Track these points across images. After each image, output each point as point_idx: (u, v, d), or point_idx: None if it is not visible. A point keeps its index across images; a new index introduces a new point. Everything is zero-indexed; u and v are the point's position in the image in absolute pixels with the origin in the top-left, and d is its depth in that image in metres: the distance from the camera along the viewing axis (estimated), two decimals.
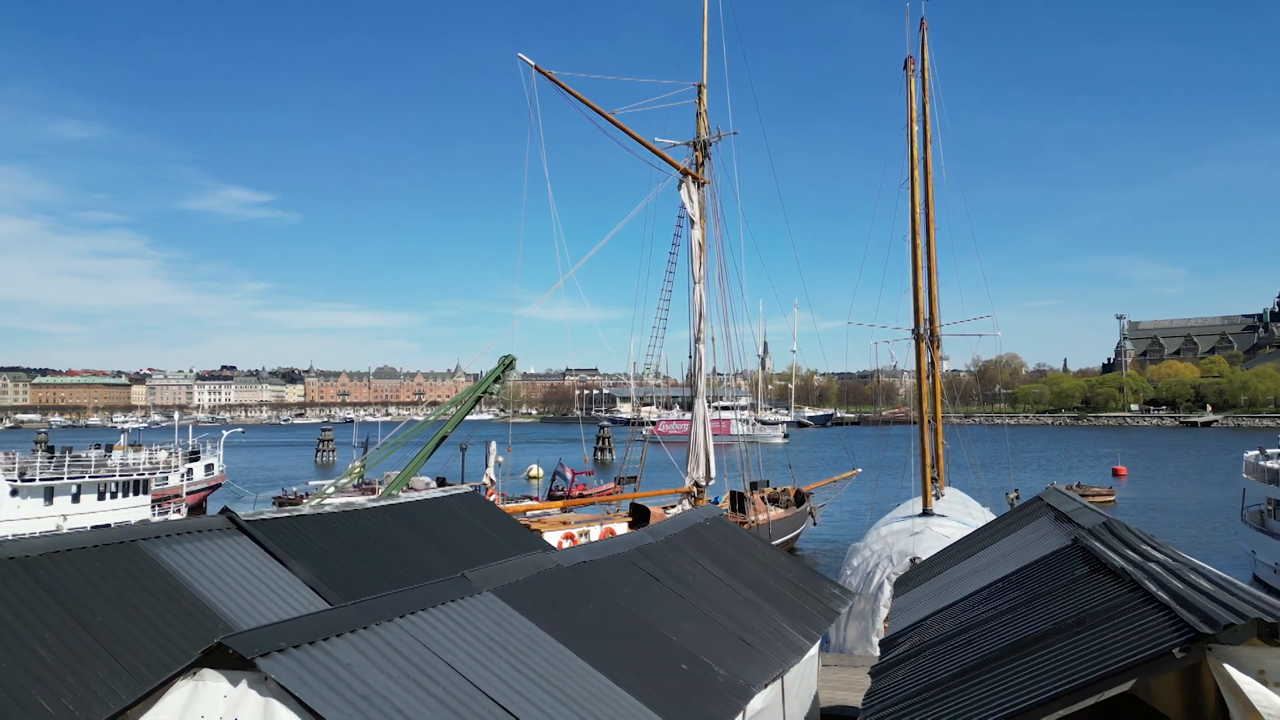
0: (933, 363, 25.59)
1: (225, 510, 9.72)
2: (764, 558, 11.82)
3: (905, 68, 23.29)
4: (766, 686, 8.55)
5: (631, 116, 37.27)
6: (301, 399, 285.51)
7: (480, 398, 20.18)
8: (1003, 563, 9.22)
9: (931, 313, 23.19)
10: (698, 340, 37.09)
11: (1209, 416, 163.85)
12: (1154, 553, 6.90)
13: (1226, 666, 4.69)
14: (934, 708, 5.78)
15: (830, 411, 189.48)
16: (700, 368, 37.50)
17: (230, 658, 5.18)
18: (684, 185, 37.64)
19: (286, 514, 10.45)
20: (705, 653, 8.22)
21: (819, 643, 11.10)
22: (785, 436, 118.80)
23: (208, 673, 5.20)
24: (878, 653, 17.97)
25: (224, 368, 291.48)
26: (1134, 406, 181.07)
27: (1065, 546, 8.21)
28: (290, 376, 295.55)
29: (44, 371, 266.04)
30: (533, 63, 33.20)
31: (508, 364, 21.05)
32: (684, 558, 10.44)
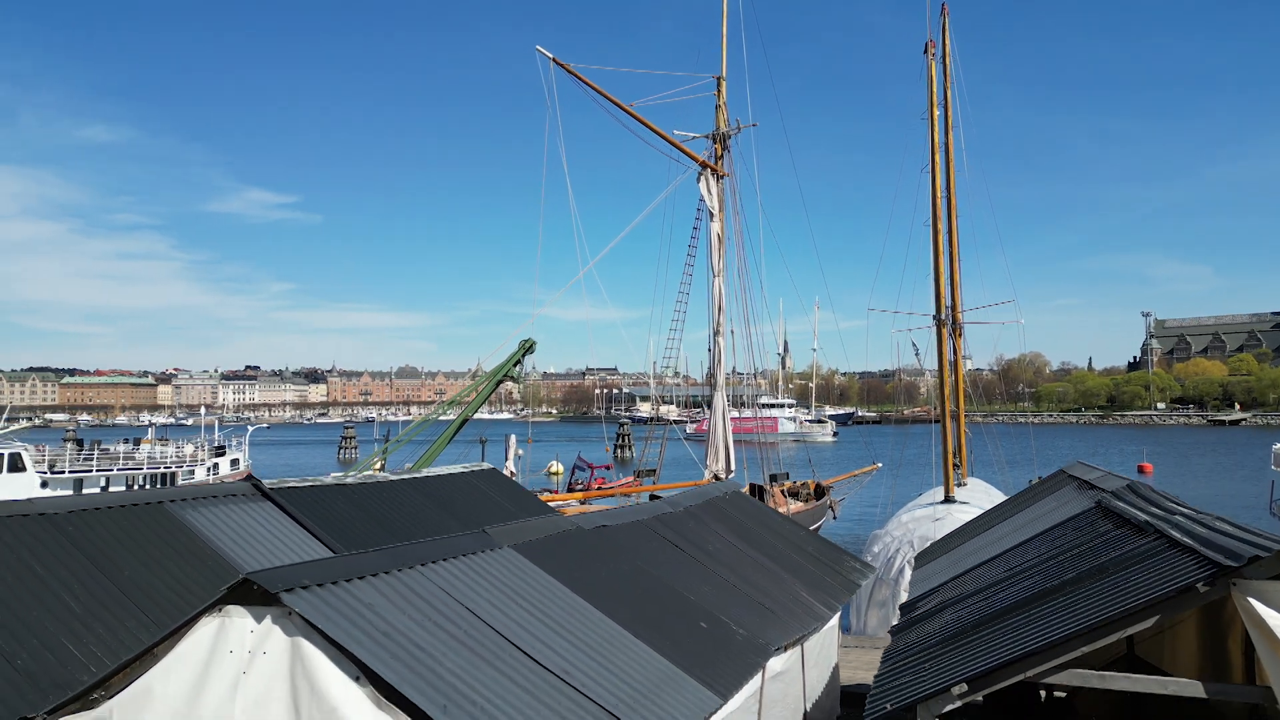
0: (955, 350, 25.38)
1: (249, 477, 9.84)
2: (784, 531, 11.79)
3: (925, 52, 23.18)
4: (786, 650, 8.53)
5: (650, 109, 37.20)
6: (324, 399, 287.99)
7: (500, 381, 20.22)
8: (1025, 529, 9.15)
9: (953, 299, 22.99)
10: (717, 333, 37.00)
11: (1237, 415, 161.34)
12: (1179, 508, 6.83)
13: (1252, 601, 4.64)
14: (955, 653, 5.75)
15: (851, 410, 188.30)
16: (719, 361, 37.40)
17: (255, 593, 5.26)
18: (703, 178, 37.55)
19: (309, 483, 10.57)
20: (724, 614, 8.22)
21: (839, 615, 11.05)
22: (835, 435, 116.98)
23: (233, 609, 5.28)
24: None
25: (248, 368, 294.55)
26: (1160, 405, 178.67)
27: (1089, 509, 8.14)
28: (313, 376, 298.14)
29: (72, 371, 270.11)
30: (551, 55, 33.28)
31: (527, 348, 21.10)
32: (703, 527, 10.44)
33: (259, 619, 5.20)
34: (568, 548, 7.93)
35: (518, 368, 20.48)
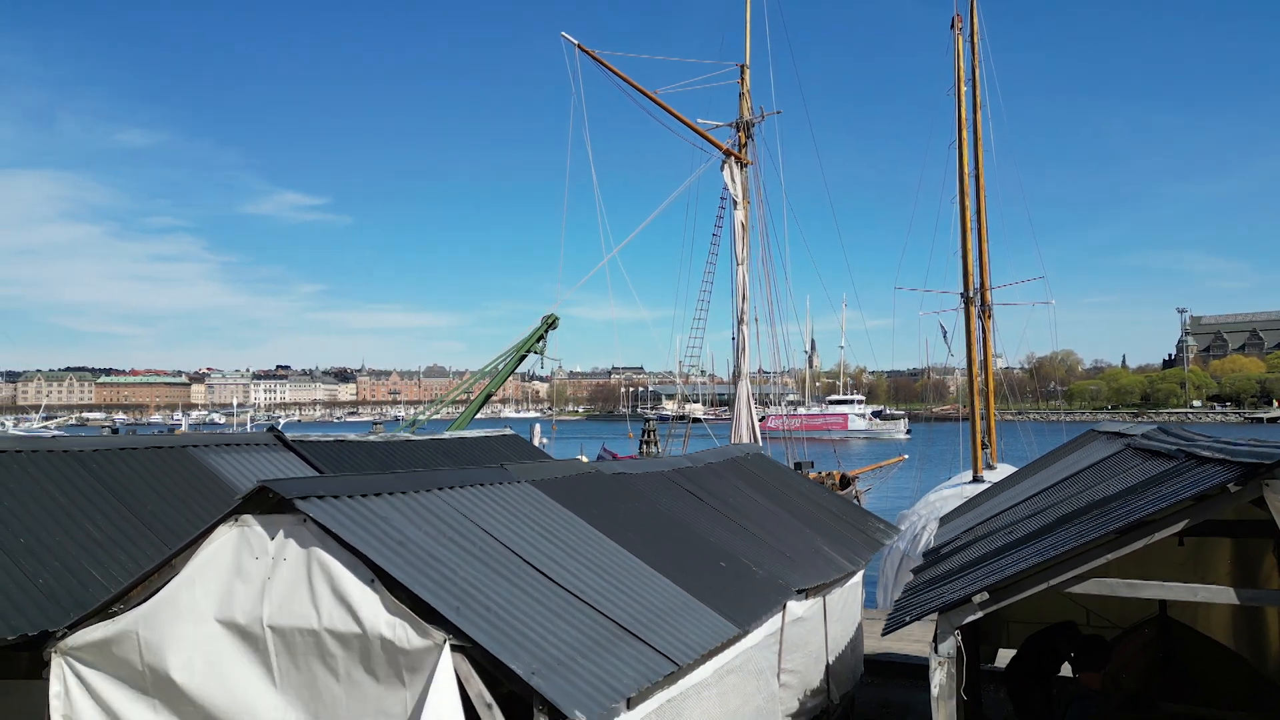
0: (984, 332, 25.00)
1: (272, 428, 9.92)
2: (806, 490, 11.67)
3: (952, 26, 22.84)
4: (807, 598, 8.43)
5: (673, 96, 37.06)
6: (354, 398, 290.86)
7: (524, 355, 20.24)
8: (1053, 477, 8.98)
9: (982, 277, 22.62)
10: (740, 322, 36.80)
11: (1275, 412, 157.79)
12: (1209, 440, 6.65)
13: None
14: (977, 572, 5.63)
15: (880, 408, 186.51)
16: (744, 349, 37.18)
17: (271, 501, 5.28)
18: (726, 166, 37.36)
19: (332, 439, 10.63)
20: (743, 556, 8.13)
21: (863, 573, 10.91)
22: (908, 432, 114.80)
23: (249, 517, 5.31)
24: None
25: (279, 367, 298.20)
26: (1196, 403, 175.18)
27: (1119, 451, 7.96)
28: (343, 376, 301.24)
29: (108, 371, 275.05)
30: (575, 41, 33.35)
31: (550, 323, 21.08)
32: (724, 482, 10.36)
33: (276, 527, 5.22)
34: (585, 487, 7.89)
35: (540, 343, 20.46)
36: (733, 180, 37.35)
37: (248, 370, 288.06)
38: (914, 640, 14.92)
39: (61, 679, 5.70)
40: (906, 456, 47.09)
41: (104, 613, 5.64)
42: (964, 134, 21.29)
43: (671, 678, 5.56)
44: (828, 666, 9.15)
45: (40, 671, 6.33)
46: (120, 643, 5.52)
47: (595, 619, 5.57)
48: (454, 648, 4.66)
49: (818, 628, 8.84)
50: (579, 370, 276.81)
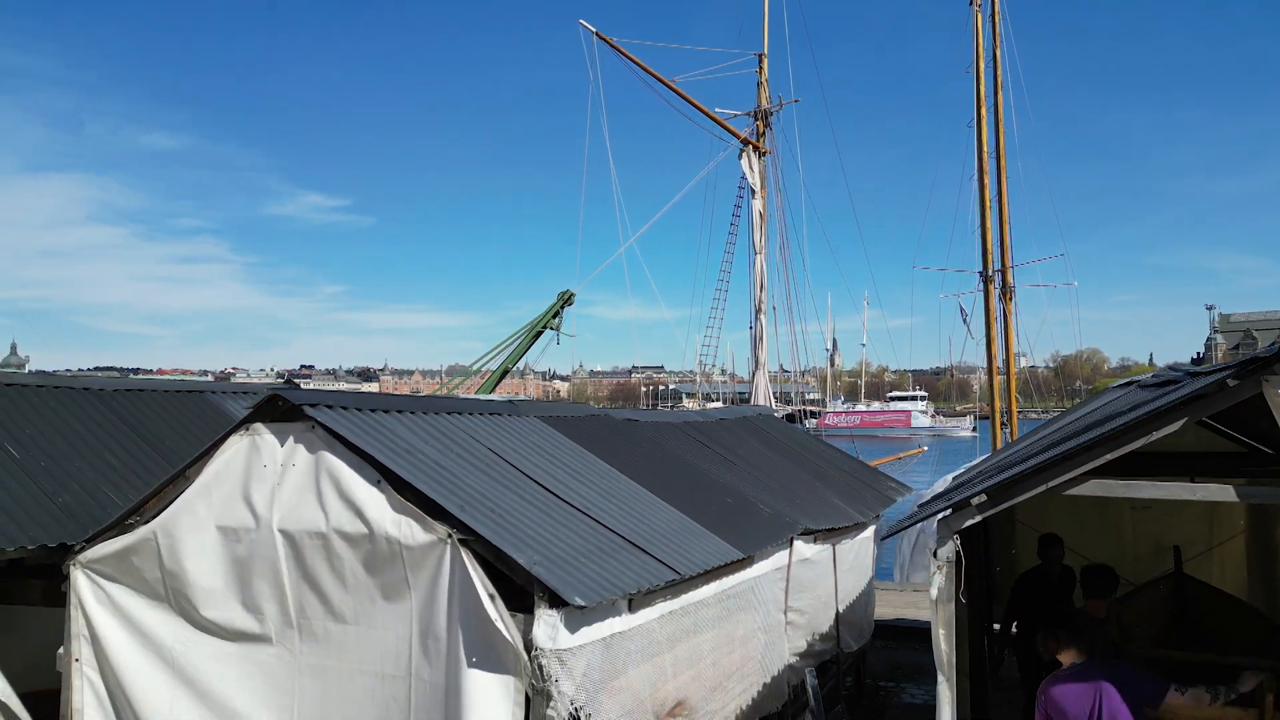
0: (1005, 315, 24.80)
1: (289, 380, 10.06)
2: (817, 449, 11.69)
3: (971, 3, 22.66)
4: (816, 541, 8.46)
5: (691, 85, 37.05)
6: None
7: (540, 332, 20.33)
8: (1064, 420, 8.96)
9: (1003, 257, 22.41)
10: (759, 311, 36.75)
11: None
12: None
13: None
14: (980, 482, 5.64)
15: None
16: (762, 339, 37.10)
17: (281, 410, 5.40)
18: (744, 155, 37.29)
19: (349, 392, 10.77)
20: (751, 496, 8.18)
21: (875, 530, 10.92)
22: (973, 430, 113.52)
23: (259, 426, 5.43)
24: None
25: (303, 367, 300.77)
26: None
27: (1128, 390, 7.94)
28: (366, 375, 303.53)
29: (136, 371, 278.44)
30: (594, 29, 33.48)
31: (566, 299, 21.16)
32: (734, 436, 10.40)
33: (285, 434, 5.34)
34: (593, 426, 7.97)
35: (557, 319, 20.55)
36: (751, 169, 37.27)
37: (272, 370, 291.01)
38: (927, 607, 14.88)
39: (80, 592, 5.85)
40: (926, 448, 46.77)
41: (121, 525, 5.79)
42: (983, 111, 21.20)
43: (675, 589, 5.63)
44: (838, 615, 9.17)
45: (55, 599, 6.50)
46: (138, 552, 5.66)
47: (598, 530, 5.64)
48: (459, 541, 4.75)
49: (827, 573, 8.86)
50: (599, 369, 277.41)
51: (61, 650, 5.91)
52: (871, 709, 10.20)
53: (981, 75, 21.08)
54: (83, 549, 5.84)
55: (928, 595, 15.01)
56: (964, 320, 25.23)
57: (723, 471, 8.61)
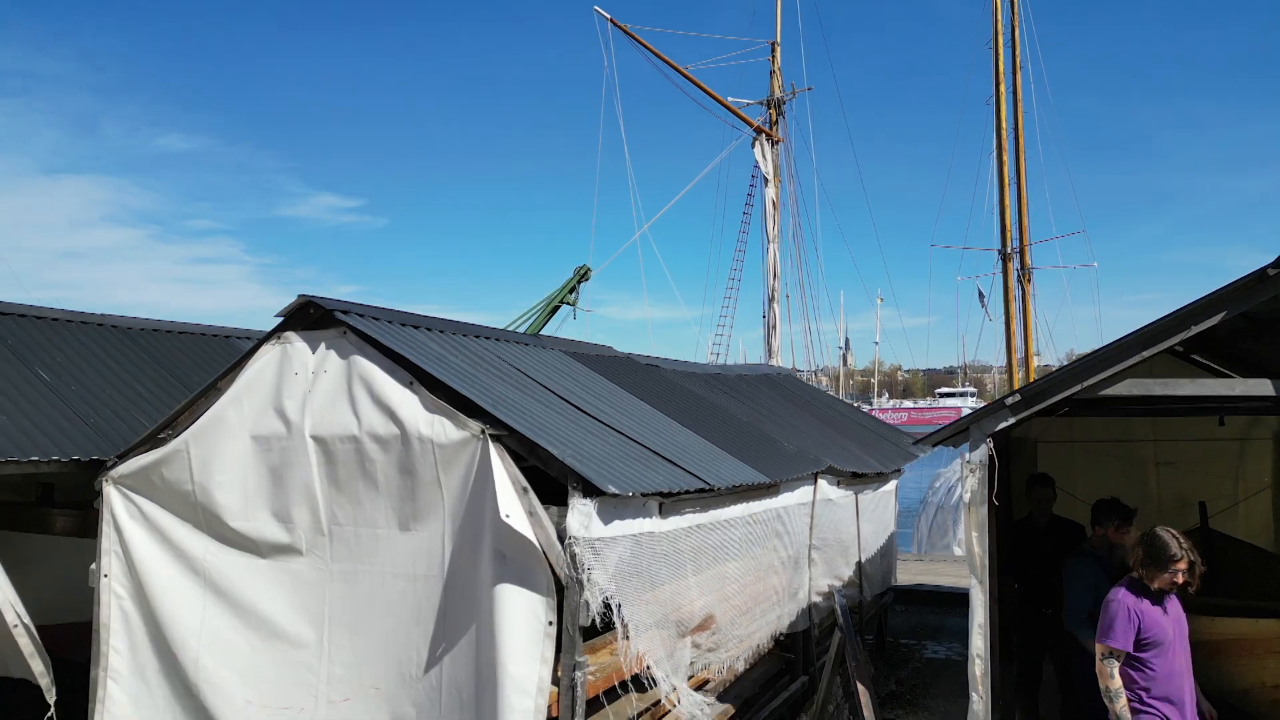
0: (1024, 297, 24.63)
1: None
2: (839, 406, 11.66)
3: None
4: (840, 484, 8.44)
5: (704, 73, 37.05)
6: None
7: (555, 309, 20.34)
8: None
9: (1021, 235, 22.21)
10: (772, 300, 36.69)
11: None
12: None
13: None
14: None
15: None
16: (775, 327, 37.02)
17: (313, 318, 5.43)
18: (757, 143, 37.23)
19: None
20: (774, 435, 8.17)
21: (896, 485, 10.88)
22: None
23: (291, 334, 5.46)
24: (958, 552, 17.49)
25: None
26: None
27: None
28: None
29: None
30: (608, 15, 33.50)
31: (582, 274, 21.16)
32: (755, 389, 10.39)
33: (317, 341, 5.36)
34: (617, 364, 7.98)
35: (573, 294, 20.54)
36: (763, 157, 37.18)
37: None
38: (945, 575, 14.86)
39: (113, 507, 5.89)
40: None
41: (153, 440, 5.82)
42: (1001, 88, 21.11)
43: (703, 502, 5.62)
44: (860, 564, 9.15)
45: (87, 530, 6.56)
46: (170, 463, 5.69)
47: (626, 443, 5.65)
48: (491, 437, 4.76)
49: (850, 518, 8.84)
50: None
51: (94, 566, 5.95)
52: (894, 662, 10.17)
53: (1000, 50, 21.02)
54: (115, 465, 5.87)
55: (947, 565, 15.11)
56: (982, 304, 25.08)
57: (746, 414, 8.60)
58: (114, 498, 5.89)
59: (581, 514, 4.50)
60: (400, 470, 5.05)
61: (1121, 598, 4.68)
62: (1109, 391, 4.89)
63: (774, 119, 37.76)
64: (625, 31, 34.51)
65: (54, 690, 5.80)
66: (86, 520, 6.93)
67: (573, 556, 4.48)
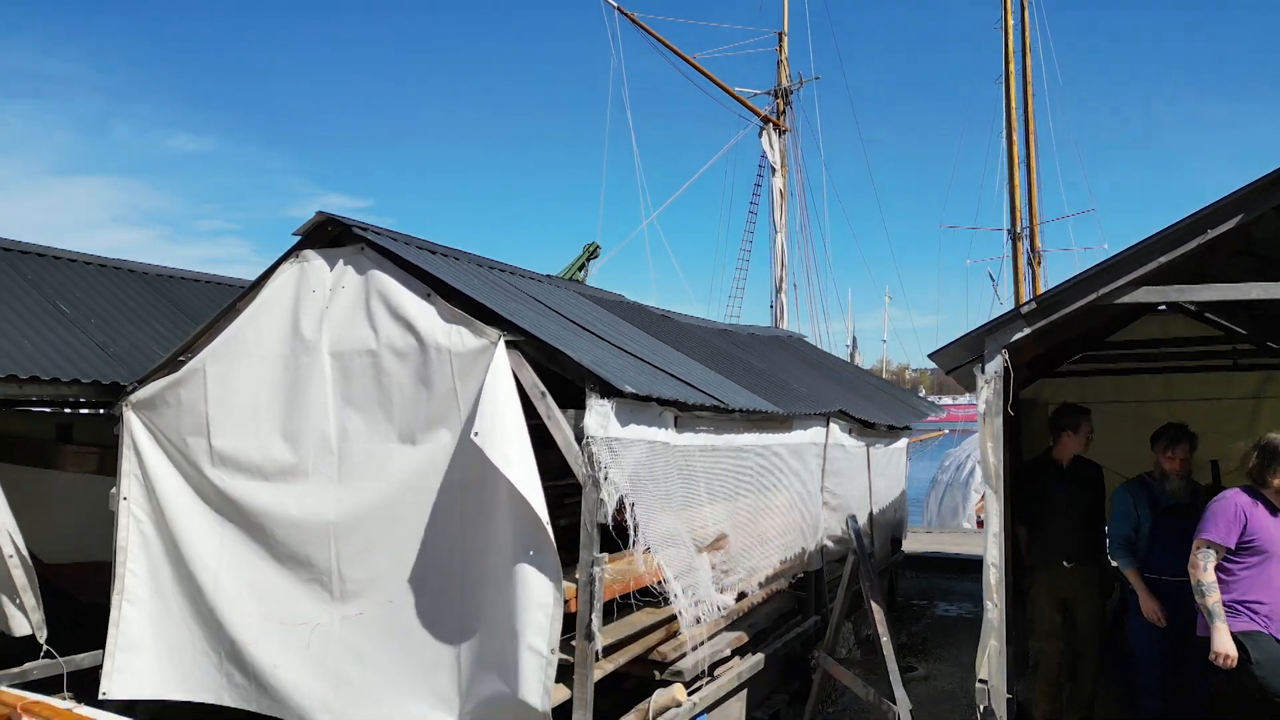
0: (1034, 280, 24.53)
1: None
2: (849, 367, 11.66)
3: None
4: (852, 433, 8.45)
5: (711, 62, 37.07)
6: None
7: None
8: None
9: (1031, 216, 22.09)
10: (779, 290, 36.70)
11: None
12: None
13: None
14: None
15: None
16: (782, 316, 36.99)
17: (331, 235, 5.47)
18: (765, 133, 37.22)
19: None
20: (786, 378, 8.18)
21: (906, 442, 10.89)
22: None
23: (309, 252, 5.50)
24: (967, 526, 17.45)
25: None
26: None
27: None
28: None
29: None
30: (615, 4, 33.55)
31: (591, 252, 21.16)
32: (767, 345, 10.40)
33: (335, 258, 5.40)
34: (629, 307, 8.01)
35: (582, 272, 20.55)
36: (771, 147, 37.14)
37: None
38: (954, 543, 14.85)
39: (132, 430, 5.94)
40: (948, 431, 46.42)
41: (172, 363, 5.87)
42: (1011, 66, 21.03)
43: (717, 424, 5.65)
44: (871, 516, 9.16)
45: (105, 468, 6.61)
46: (188, 383, 5.73)
47: (641, 364, 5.67)
48: (509, 344, 4.79)
49: (861, 468, 8.85)
50: None
51: (113, 490, 6.00)
52: (905, 620, 10.17)
53: (1010, 30, 20.95)
54: (134, 389, 5.93)
55: (958, 536, 15.12)
56: (994, 288, 24.94)
57: (758, 362, 8.62)
58: (133, 422, 5.94)
59: (599, 414, 4.52)
60: (416, 381, 5.06)
61: (1233, 495, 4.57)
62: (1126, 299, 4.88)
63: (781, 109, 37.72)
64: (633, 20, 34.49)
65: (44, 630, 5.77)
66: (104, 459, 7.00)
67: (590, 456, 4.51)
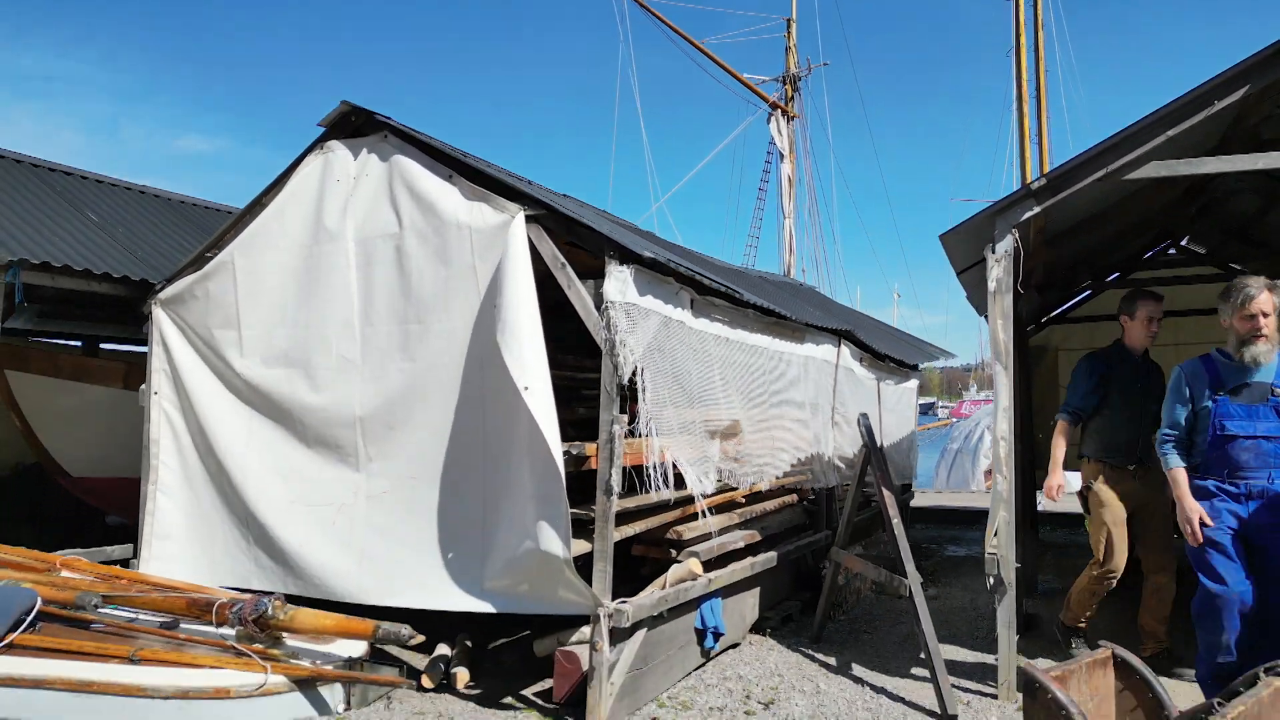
0: None
1: None
2: (859, 313, 11.75)
3: None
4: (862, 360, 8.55)
5: (720, 48, 37.21)
6: None
7: None
8: None
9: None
10: (788, 275, 36.77)
11: None
12: None
13: None
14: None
15: (932, 400, 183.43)
16: None
17: (354, 125, 5.60)
18: (773, 119, 37.27)
19: None
20: (794, 306, 8.28)
21: (916, 385, 10.96)
22: None
23: (333, 143, 5.63)
24: (976, 489, 17.49)
25: None
26: None
27: None
28: None
29: None
30: None
31: None
32: (776, 288, 10.51)
33: (359, 148, 5.53)
34: (640, 233, 8.12)
35: None
36: (779, 133, 37.18)
37: None
38: (960, 499, 14.92)
39: (161, 327, 6.09)
40: (954, 420, 46.42)
41: (199, 260, 6.02)
42: (1022, 39, 21.08)
43: (732, 315, 5.76)
44: (881, 448, 9.24)
45: (131, 382, 6.77)
46: (214, 278, 5.88)
47: (659, 249, 5.76)
48: (529, 218, 4.91)
49: (871, 401, 8.94)
50: None
51: (144, 386, 6.15)
52: (916, 557, 10.24)
53: (1020, 4, 21.02)
54: (163, 287, 6.08)
55: (966, 495, 15.08)
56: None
57: (762, 293, 8.73)
58: (162, 319, 6.09)
59: (618, 279, 4.64)
60: (436, 261, 5.17)
61: None
62: (1135, 175, 4.98)
63: (790, 95, 37.75)
64: (642, 5, 34.67)
65: None
66: (129, 374, 7.17)
67: (608, 320, 4.62)
